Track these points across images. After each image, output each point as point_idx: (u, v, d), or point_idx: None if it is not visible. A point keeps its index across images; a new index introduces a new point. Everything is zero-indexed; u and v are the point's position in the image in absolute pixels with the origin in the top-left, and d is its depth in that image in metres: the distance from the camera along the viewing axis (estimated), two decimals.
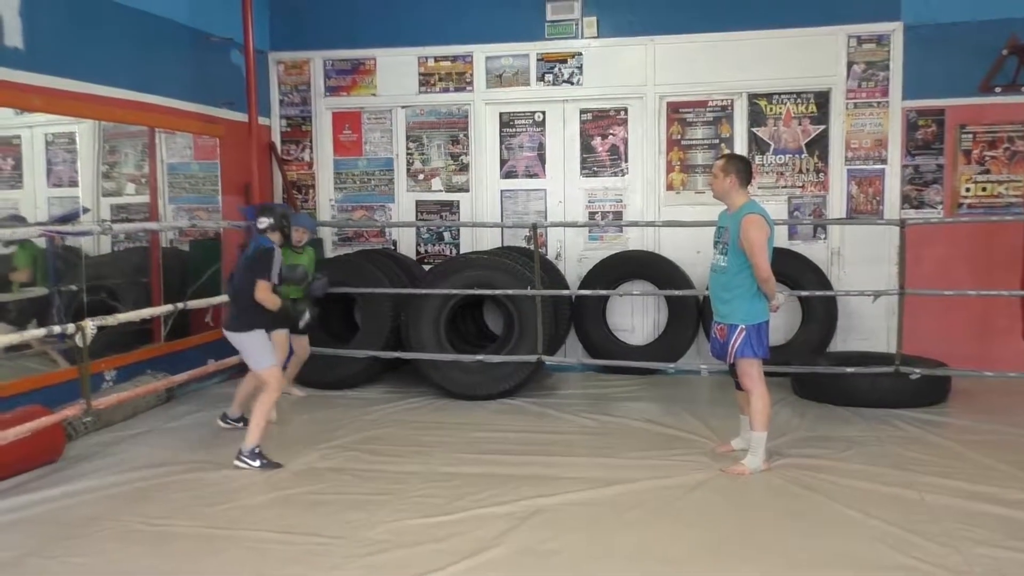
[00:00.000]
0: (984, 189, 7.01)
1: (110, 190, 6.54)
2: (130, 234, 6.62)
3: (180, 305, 5.86)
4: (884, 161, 7.13)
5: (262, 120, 7.57)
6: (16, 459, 4.50)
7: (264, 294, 4.74)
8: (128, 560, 3.57)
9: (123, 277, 6.58)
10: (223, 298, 6.56)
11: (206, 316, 6.85)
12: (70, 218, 5.91)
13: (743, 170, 4.64)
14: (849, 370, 5.97)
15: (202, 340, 6.79)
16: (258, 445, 4.77)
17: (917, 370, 5.90)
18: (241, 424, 5.34)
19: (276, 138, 7.99)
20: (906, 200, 7.12)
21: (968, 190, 7.05)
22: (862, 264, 7.10)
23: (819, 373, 6.10)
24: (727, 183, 4.59)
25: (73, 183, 6.22)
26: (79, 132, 6.16)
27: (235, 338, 4.88)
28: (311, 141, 7.98)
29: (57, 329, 4.71)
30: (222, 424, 5.58)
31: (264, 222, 4.92)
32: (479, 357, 6.33)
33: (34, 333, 4.76)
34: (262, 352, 4.88)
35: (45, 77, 5.35)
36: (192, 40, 6.85)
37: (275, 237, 4.97)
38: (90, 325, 4.71)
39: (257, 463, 4.74)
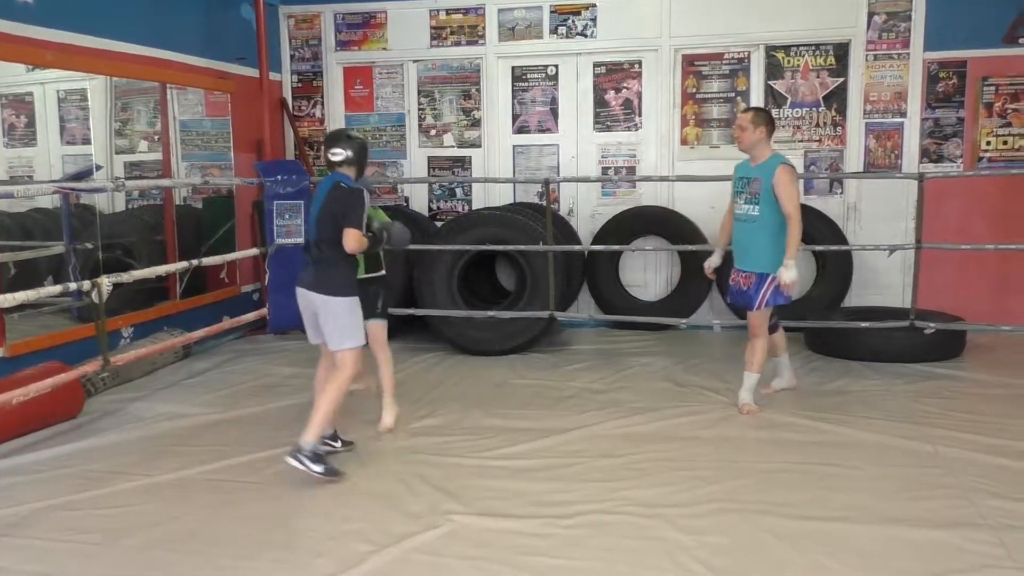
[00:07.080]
0: (1005, 143, 6.89)
1: (123, 147, 6.53)
2: (144, 191, 6.62)
3: (195, 262, 5.87)
4: (903, 114, 7.02)
5: (273, 76, 7.52)
6: (37, 415, 4.55)
7: (356, 243, 3.91)
8: (154, 512, 3.62)
9: (138, 234, 6.60)
10: (237, 255, 6.60)
11: (221, 273, 6.88)
12: (84, 175, 5.91)
13: (771, 122, 4.79)
14: (863, 324, 5.95)
15: (217, 297, 6.83)
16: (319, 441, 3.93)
17: (932, 324, 5.88)
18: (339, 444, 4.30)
19: (287, 94, 7.93)
20: (925, 154, 7.02)
21: (989, 144, 6.94)
22: (878, 219, 7.03)
23: (833, 328, 6.10)
24: (757, 134, 4.71)
25: (86, 141, 6.21)
26: (91, 88, 6.13)
27: (320, 301, 3.96)
28: (322, 97, 7.91)
29: (73, 286, 4.73)
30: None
31: (340, 153, 4.03)
32: (491, 313, 6.34)
33: (50, 290, 4.76)
34: (354, 326, 4.01)
35: (57, 32, 5.33)
36: None
37: (351, 174, 4.09)
38: (106, 281, 4.72)
39: (318, 468, 3.82)
